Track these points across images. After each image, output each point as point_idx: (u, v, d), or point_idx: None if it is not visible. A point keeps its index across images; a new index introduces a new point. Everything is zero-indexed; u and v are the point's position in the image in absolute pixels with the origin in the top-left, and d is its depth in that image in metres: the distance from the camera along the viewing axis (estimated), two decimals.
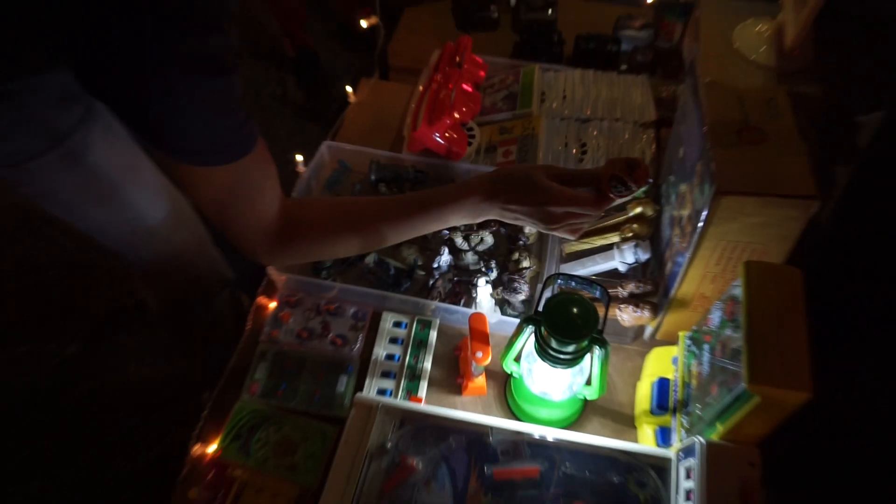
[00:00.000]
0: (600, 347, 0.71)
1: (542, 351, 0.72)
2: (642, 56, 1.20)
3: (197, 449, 0.80)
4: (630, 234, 0.90)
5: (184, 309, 1.14)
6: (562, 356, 0.71)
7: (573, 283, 0.76)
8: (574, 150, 1.05)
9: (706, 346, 0.71)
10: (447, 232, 0.97)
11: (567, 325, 0.68)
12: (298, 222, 0.70)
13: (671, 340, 0.83)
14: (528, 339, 0.76)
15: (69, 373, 1.65)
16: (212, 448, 0.79)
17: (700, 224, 0.70)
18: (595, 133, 1.07)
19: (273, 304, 0.92)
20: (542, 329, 0.70)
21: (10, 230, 1.88)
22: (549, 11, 1.32)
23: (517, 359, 0.79)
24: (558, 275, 0.76)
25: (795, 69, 0.81)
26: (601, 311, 0.71)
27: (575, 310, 0.69)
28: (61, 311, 1.77)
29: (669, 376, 0.80)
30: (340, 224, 0.73)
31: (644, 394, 0.82)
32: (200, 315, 1.14)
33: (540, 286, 0.90)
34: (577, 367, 0.74)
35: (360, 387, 0.85)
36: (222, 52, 0.55)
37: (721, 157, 0.69)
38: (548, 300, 0.70)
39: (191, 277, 1.08)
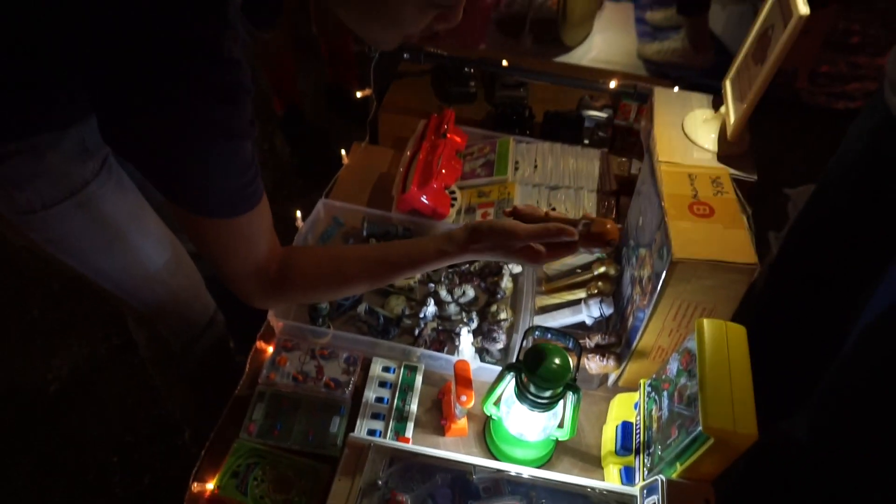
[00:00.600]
0: (573, 393, 0.80)
1: (522, 395, 0.81)
2: (602, 132, 1.35)
3: (196, 487, 0.84)
4: (595, 291, 1.01)
5: (173, 350, 1.18)
6: (539, 400, 0.80)
7: (549, 335, 0.85)
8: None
9: (665, 393, 0.81)
10: (433, 285, 1.06)
11: (545, 372, 0.77)
12: (290, 269, 0.78)
13: (633, 387, 0.93)
14: (508, 385, 0.84)
15: (55, 400, 1.65)
16: (210, 485, 0.84)
17: (659, 285, 0.81)
18: (563, 199, 1.20)
19: (271, 349, 0.98)
20: (523, 375, 0.79)
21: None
22: (521, 90, 1.47)
23: (497, 402, 0.88)
24: (536, 327, 0.86)
25: (735, 154, 0.95)
26: (573, 360, 0.81)
27: (552, 359, 0.78)
28: (55, 339, 1.78)
29: (632, 420, 0.89)
30: (329, 272, 0.81)
31: (609, 436, 0.91)
32: (189, 356, 1.19)
33: (516, 335, 0.99)
34: (551, 411, 0.83)
35: (351, 427, 0.91)
36: (239, 121, 0.64)
37: (676, 228, 0.81)
38: (528, 350, 0.79)
39: (183, 320, 1.13)
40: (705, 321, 0.74)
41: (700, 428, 0.68)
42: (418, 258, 0.79)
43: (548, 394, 0.79)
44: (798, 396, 1.24)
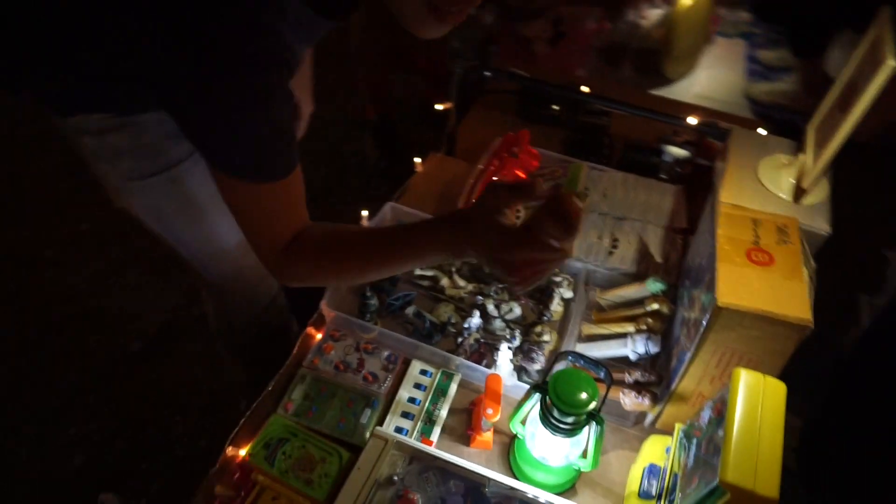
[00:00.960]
0: (596, 424, 0.80)
1: (545, 418, 0.81)
2: (681, 168, 1.31)
3: (230, 451, 0.91)
4: (644, 327, 0.99)
5: (238, 325, 1.27)
6: (561, 425, 0.79)
7: (582, 362, 0.85)
8: (606, 243, 1.16)
9: (695, 441, 0.78)
10: (481, 298, 1.08)
11: (568, 397, 0.77)
12: (299, 244, 0.80)
13: (668, 430, 0.90)
14: (534, 406, 0.85)
15: (129, 366, 1.81)
16: (243, 452, 0.90)
17: (702, 329, 0.79)
18: (628, 230, 1.18)
19: (319, 336, 1.04)
20: (547, 398, 0.79)
21: (108, 235, 2.11)
22: (604, 118, 1.46)
23: (523, 422, 0.88)
24: (570, 352, 0.86)
25: (810, 204, 0.90)
26: (602, 390, 0.80)
27: (578, 385, 0.78)
28: (131, 312, 1.96)
29: (661, 464, 0.87)
30: (334, 251, 0.83)
31: (635, 476, 0.89)
32: (248, 332, 1.27)
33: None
34: (575, 438, 0.82)
35: (381, 421, 0.94)
36: (272, 88, 0.69)
37: (726, 271, 0.79)
38: (556, 373, 0.80)
39: (247, 298, 1.22)
40: (742, 371, 0.71)
41: (717, 481, 0.66)
42: (413, 241, 0.77)
43: (570, 420, 0.78)
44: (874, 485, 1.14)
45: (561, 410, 0.78)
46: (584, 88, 1.36)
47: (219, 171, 0.74)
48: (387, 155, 2.39)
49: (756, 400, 0.70)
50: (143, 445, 1.63)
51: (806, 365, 0.84)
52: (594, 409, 0.77)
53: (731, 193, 0.91)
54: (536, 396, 0.82)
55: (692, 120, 1.26)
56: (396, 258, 0.79)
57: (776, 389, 0.71)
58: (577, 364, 0.85)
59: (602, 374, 0.83)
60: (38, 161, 2.39)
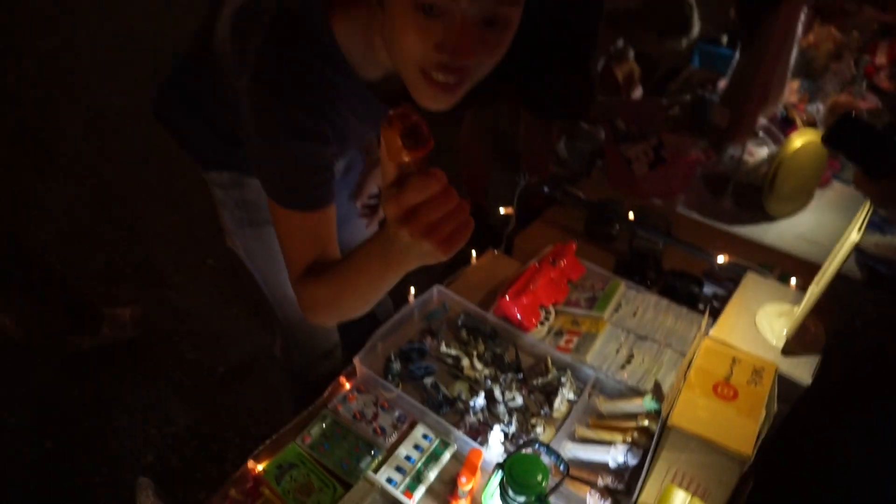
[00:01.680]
0: None
1: (503, 494, 0.91)
2: (717, 303, 1.38)
3: (251, 463, 1.09)
4: (630, 440, 1.06)
5: (297, 364, 1.49)
6: (514, 502, 0.89)
7: (545, 451, 0.95)
8: (621, 357, 1.25)
9: None
10: (490, 382, 1.20)
11: (519, 478, 0.87)
12: (311, 272, 0.95)
13: None
14: (498, 482, 0.95)
15: (210, 386, 2.10)
16: (260, 467, 1.08)
17: (652, 444, 0.87)
18: (644, 350, 1.26)
19: (348, 385, 1.22)
20: (504, 477, 0.90)
21: (226, 272, 2.48)
22: (660, 243, 1.57)
23: (492, 496, 0.98)
24: (537, 441, 0.96)
25: (798, 354, 0.96)
26: (556, 479, 0.89)
27: (532, 469, 0.88)
28: (225, 340, 2.27)
29: None
30: (325, 279, 0.93)
31: None
32: (303, 373, 1.48)
33: None
34: None
35: (377, 469, 1.08)
36: (312, 134, 0.88)
37: (688, 398, 0.87)
38: (515, 455, 0.90)
39: (309, 342, 1.43)
40: (674, 489, 0.79)
41: None
42: (364, 255, 0.84)
43: (521, 499, 0.88)
44: None
45: (513, 489, 0.88)
46: (630, 215, 1.48)
47: (266, 193, 0.95)
48: (471, 243, 2.61)
49: None
50: (203, 456, 1.87)
51: None
52: (542, 493, 0.87)
53: (723, 330, 0.99)
54: (499, 474, 0.93)
55: (721, 259, 1.34)
56: (367, 276, 0.85)
57: None
58: (540, 452, 0.95)
59: (563, 467, 0.92)
60: (188, 206, 2.87)
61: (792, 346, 0.96)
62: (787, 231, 2.55)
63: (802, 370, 0.94)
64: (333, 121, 0.92)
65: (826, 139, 0.90)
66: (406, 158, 0.64)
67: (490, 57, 0.79)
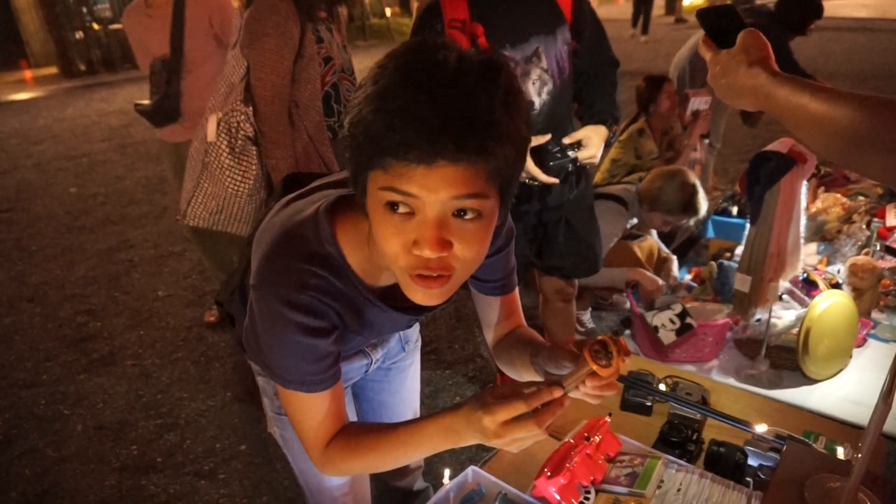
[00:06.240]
0: None
1: None
2: (764, 475, 1.32)
3: None
4: None
5: None
6: None
7: None
8: None
9: None
10: None
11: None
12: (337, 445, 0.99)
13: None
14: None
15: None
16: None
17: None
18: None
19: None
20: None
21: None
22: (697, 413, 1.54)
23: None
24: None
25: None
26: None
27: None
28: None
29: None
30: (362, 451, 0.98)
31: None
32: None
33: None
34: None
35: None
36: (313, 330, 0.93)
37: None
38: None
39: None
40: None
41: None
42: (424, 439, 0.93)
43: None
44: None
45: None
46: (661, 386, 1.48)
47: (277, 383, 0.99)
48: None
49: None
50: None
51: None
52: None
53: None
54: None
55: (760, 428, 1.31)
56: (410, 452, 0.96)
57: None
58: None
59: None
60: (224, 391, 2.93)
61: None
62: (831, 393, 2.44)
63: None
64: (336, 321, 0.97)
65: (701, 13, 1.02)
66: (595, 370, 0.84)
67: (469, 250, 0.79)
